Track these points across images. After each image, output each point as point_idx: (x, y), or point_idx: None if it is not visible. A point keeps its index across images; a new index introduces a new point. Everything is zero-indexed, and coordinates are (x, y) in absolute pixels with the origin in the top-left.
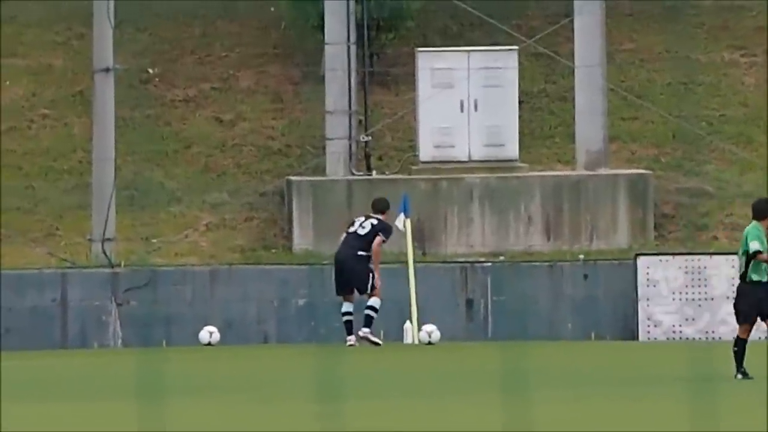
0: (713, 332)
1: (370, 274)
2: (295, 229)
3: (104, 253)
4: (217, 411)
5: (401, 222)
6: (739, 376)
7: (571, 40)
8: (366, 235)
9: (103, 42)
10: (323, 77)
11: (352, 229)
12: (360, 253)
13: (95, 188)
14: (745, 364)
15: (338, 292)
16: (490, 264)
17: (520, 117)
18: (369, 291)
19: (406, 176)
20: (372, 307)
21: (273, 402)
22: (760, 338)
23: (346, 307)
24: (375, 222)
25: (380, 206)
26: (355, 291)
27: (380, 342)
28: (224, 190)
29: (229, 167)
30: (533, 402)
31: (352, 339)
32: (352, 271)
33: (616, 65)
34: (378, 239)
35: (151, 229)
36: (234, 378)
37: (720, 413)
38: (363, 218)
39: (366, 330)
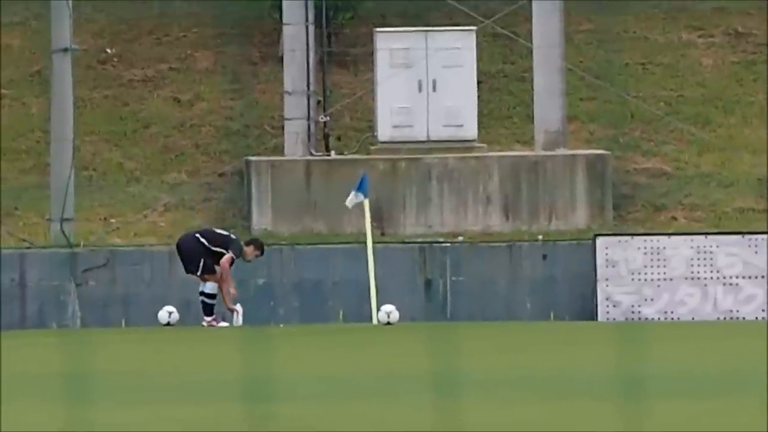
0: (672, 313)
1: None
2: (254, 209)
3: (63, 233)
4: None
5: (351, 201)
6: None
7: (529, 20)
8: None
9: (61, 22)
10: (281, 57)
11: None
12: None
13: (53, 168)
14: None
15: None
16: (448, 244)
17: (478, 97)
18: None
19: (364, 156)
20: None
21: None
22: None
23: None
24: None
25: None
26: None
27: (226, 324)
28: (183, 170)
29: (187, 147)
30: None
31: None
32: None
33: (575, 46)
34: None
35: (110, 209)
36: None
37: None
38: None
39: (207, 318)
